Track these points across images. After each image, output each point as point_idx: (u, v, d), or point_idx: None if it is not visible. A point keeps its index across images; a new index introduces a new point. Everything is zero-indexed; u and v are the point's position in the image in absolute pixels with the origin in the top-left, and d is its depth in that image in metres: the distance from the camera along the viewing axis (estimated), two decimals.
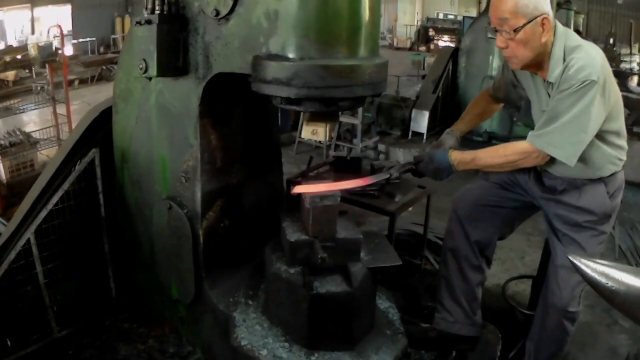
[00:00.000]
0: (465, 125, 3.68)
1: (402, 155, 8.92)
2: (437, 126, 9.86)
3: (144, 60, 2.85)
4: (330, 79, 2.44)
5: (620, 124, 3.10)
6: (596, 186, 3.16)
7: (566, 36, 2.96)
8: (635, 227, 6.81)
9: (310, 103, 2.54)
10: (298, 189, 2.96)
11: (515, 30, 2.85)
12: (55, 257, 3.62)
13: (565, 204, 3.22)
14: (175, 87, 3.03)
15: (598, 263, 1.85)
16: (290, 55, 2.45)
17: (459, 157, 3.16)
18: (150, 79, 3.00)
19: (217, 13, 2.64)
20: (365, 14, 2.54)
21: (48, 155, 7.87)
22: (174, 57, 2.89)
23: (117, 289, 4.01)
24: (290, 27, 2.45)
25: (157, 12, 2.81)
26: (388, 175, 3.30)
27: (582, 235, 3.19)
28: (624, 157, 3.19)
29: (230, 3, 2.58)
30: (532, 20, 2.83)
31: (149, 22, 2.81)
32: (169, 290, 3.46)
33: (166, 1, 2.82)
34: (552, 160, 3.00)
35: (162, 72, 2.85)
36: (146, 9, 2.87)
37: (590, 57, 2.85)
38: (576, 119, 2.82)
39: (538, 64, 3.01)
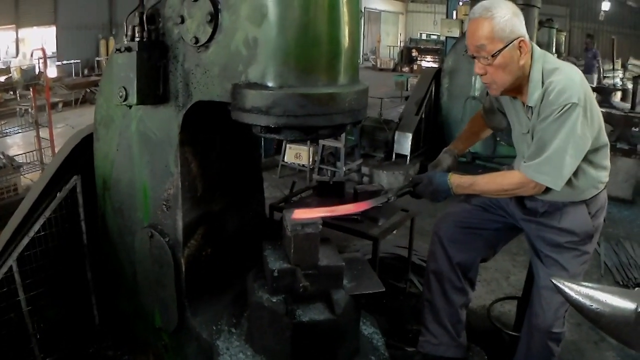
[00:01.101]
0: (463, 144, 3.70)
1: (385, 178, 8.93)
2: (421, 148, 9.90)
3: (124, 87, 2.83)
4: (309, 107, 2.44)
5: (604, 141, 3.11)
6: (578, 207, 3.17)
7: (544, 59, 2.98)
8: (621, 243, 6.84)
9: (290, 131, 2.54)
10: (296, 215, 2.94)
11: (493, 55, 2.86)
12: (38, 285, 3.58)
13: (546, 225, 3.23)
14: (156, 114, 3.02)
15: (582, 285, 1.85)
16: (270, 84, 2.46)
17: (457, 181, 3.14)
18: (130, 106, 2.99)
19: (197, 41, 2.64)
20: (345, 41, 2.55)
21: (31, 179, 7.83)
22: (154, 85, 2.87)
23: (100, 316, 3.97)
24: (269, 54, 2.46)
25: (137, 39, 2.80)
26: (386, 199, 3.29)
27: (564, 256, 3.20)
28: (607, 179, 3.21)
29: (210, 30, 2.59)
30: (509, 44, 2.85)
31: (128, 49, 2.80)
32: (152, 318, 3.42)
33: (146, 28, 2.81)
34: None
35: (142, 100, 2.84)
36: (126, 36, 2.87)
37: (569, 79, 2.86)
38: (563, 144, 2.83)
39: (517, 88, 3.02)
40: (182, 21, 2.70)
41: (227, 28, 2.56)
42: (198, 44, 2.65)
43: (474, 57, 2.96)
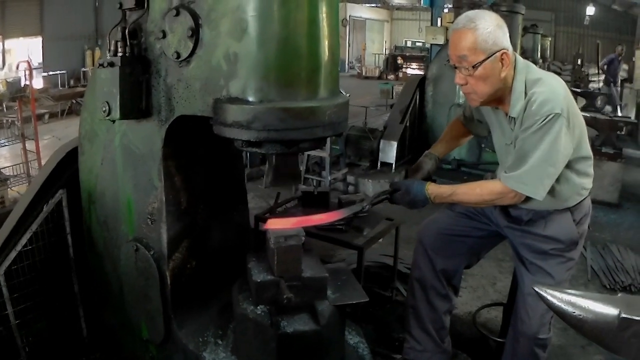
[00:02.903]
0: (443, 147, 3.70)
1: (371, 187, 8.92)
2: (406, 156, 9.91)
3: (107, 102, 2.85)
4: (290, 121, 2.47)
5: (586, 149, 3.13)
6: (562, 215, 3.19)
7: (527, 69, 2.99)
8: (608, 247, 6.85)
9: (271, 145, 2.56)
10: (269, 224, 2.97)
11: (474, 67, 2.87)
12: (26, 298, 3.60)
13: (531, 233, 3.25)
14: (139, 129, 3.03)
15: (564, 292, 1.86)
16: (250, 98, 2.48)
17: (436, 191, 3.16)
18: (113, 121, 3.01)
19: (178, 55, 2.66)
20: (324, 55, 2.58)
21: (19, 191, 7.81)
22: (137, 100, 2.89)
23: (88, 328, 3.97)
24: (249, 69, 2.48)
25: (119, 54, 2.82)
26: (361, 208, 3.29)
27: (549, 263, 3.22)
28: (590, 185, 3.23)
29: (191, 45, 2.60)
30: (491, 56, 2.86)
31: (111, 64, 2.81)
32: (139, 330, 3.43)
33: (128, 43, 2.83)
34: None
35: (125, 114, 2.86)
36: (109, 51, 2.88)
37: (552, 89, 2.89)
38: (545, 155, 2.85)
39: (498, 99, 3.04)
40: (164, 36, 2.71)
41: (208, 43, 2.59)
42: (180, 59, 2.66)
43: (455, 67, 2.98)
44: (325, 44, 2.57)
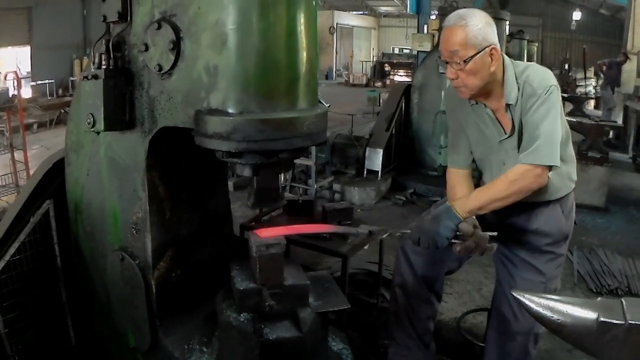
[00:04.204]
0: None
1: (357, 194, 9.00)
2: (392, 163, 9.98)
3: (92, 114, 2.88)
4: (269, 132, 2.50)
5: (566, 130, 3.21)
6: (552, 208, 3.26)
7: (513, 64, 3.14)
8: (594, 251, 6.88)
9: (251, 156, 2.59)
10: (266, 232, 2.99)
11: (465, 61, 2.98)
12: (14, 307, 3.62)
13: (521, 228, 3.30)
14: (123, 140, 3.07)
15: (542, 297, 1.88)
16: (230, 110, 2.52)
17: (464, 207, 3.08)
18: (98, 132, 3.04)
19: (160, 68, 2.69)
20: (303, 66, 2.62)
21: (7, 201, 7.83)
22: (121, 112, 2.92)
23: (76, 337, 3.97)
24: (229, 81, 2.52)
25: (103, 66, 2.85)
26: (356, 232, 3.29)
27: (539, 260, 3.29)
28: (575, 176, 3.32)
29: (172, 58, 2.64)
30: (481, 51, 2.97)
31: (95, 77, 2.85)
32: (126, 338, 3.45)
33: (112, 56, 2.87)
34: None
35: (109, 126, 2.89)
36: (93, 63, 2.92)
37: (542, 69, 3.10)
38: (553, 124, 2.97)
39: (486, 93, 3.14)
40: (147, 49, 2.75)
41: (188, 56, 2.62)
42: (162, 72, 2.70)
43: (447, 63, 3.08)
44: (303, 55, 2.61)
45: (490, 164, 3.39)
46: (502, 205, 3.07)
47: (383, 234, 3.20)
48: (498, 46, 3.03)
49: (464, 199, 3.17)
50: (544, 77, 3.00)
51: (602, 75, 17.78)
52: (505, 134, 3.19)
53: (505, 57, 3.15)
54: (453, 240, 3.05)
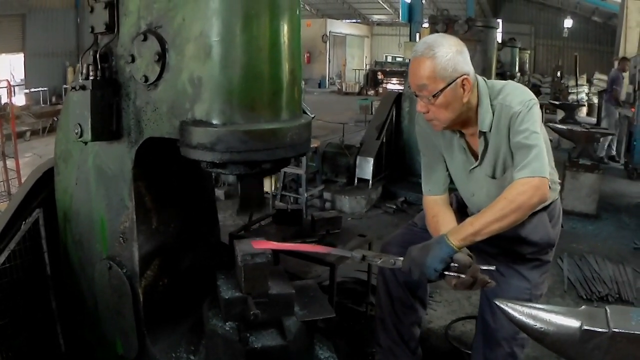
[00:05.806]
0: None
1: (348, 203, 9.01)
2: (383, 172, 9.97)
3: (79, 124, 2.91)
4: (252, 142, 2.54)
5: (546, 138, 3.13)
6: (538, 217, 3.19)
7: (490, 87, 3.03)
8: (585, 258, 6.88)
9: (235, 166, 2.63)
10: (262, 245, 3.01)
11: (435, 96, 2.86)
12: (4, 315, 3.63)
13: (507, 237, 3.11)
14: (110, 150, 3.09)
15: (525, 306, 1.89)
16: (214, 121, 2.56)
17: (457, 235, 2.88)
18: (86, 143, 3.07)
19: (146, 79, 2.72)
20: (286, 78, 2.66)
21: (0, 209, 7.82)
22: (108, 122, 2.95)
23: (66, 345, 3.98)
24: (213, 93, 2.56)
25: (91, 77, 2.88)
26: (349, 255, 3.15)
27: (525, 267, 3.25)
28: (558, 179, 3.30)
29: (158, 69, 2.67)
30: (451, 83, 2.84)
31: (83, 87, 2.87)
32: (114, 346, 3.47)
33: (99, 67, 2.90)
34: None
35: (96, 136, 2.92)
36: (81, 74, 2.93)
37: (518, 86, 3.03)
38: (539, 137, 2.87)
39: (462, 122, 3.05)
40: (133, 60, 2.77)
41: (174, 67, 2.65)
42: (148, 82, 2.73)
43: (416, 95, 2.97)
44: (286, 67, 2.65)
45: (461, 189, 3.37)
46: (501, 228, 2.86)
47: (377, 260, 3.06)
48: (471, 74, 2.90)
49: (457, 226, 2.99)
50: (521, 94, 2.92)
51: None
52: (475, 161, 3.13)
53: (480, 81, 3.02)
54: (447, 273, 2.80)
